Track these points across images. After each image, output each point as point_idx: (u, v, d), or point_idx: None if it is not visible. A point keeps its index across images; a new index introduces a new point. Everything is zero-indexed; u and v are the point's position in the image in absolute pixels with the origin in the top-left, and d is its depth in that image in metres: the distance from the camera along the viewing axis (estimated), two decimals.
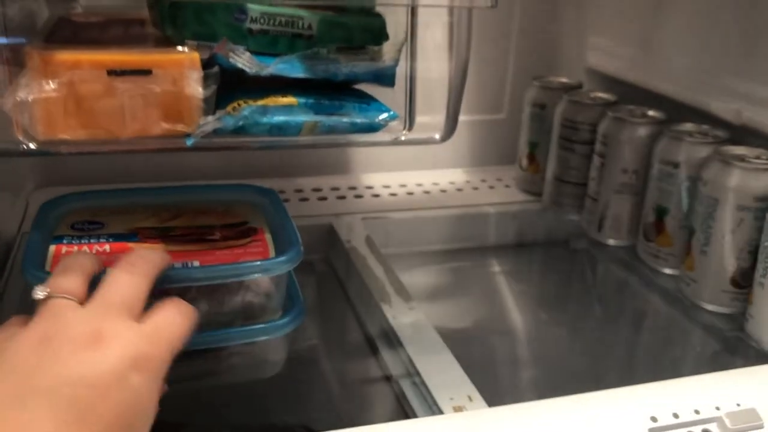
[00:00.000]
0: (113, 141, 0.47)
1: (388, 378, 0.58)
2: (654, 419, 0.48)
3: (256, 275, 0.50)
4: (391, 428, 0.46)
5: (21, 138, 0.46)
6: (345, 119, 0.50)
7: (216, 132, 0.47)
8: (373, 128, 0.51)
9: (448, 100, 0.53)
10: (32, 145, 0.46)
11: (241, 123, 0.47)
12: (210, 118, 0.47)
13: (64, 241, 0.52)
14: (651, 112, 0.74)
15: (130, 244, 0.52)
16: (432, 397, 0.51)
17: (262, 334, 0.51)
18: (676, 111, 0.73)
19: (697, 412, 0.49)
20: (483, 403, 0.50)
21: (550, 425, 0.47)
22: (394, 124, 0.52)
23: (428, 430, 0.46)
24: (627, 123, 0.72)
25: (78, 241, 0.52)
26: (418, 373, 0.54)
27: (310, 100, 0.49)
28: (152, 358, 0.38)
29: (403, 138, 0.53)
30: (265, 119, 0.48)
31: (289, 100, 0.49)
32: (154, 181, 0.82)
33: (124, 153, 0.50)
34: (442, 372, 0.53)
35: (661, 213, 0.69)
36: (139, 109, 0.46)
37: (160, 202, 0.59)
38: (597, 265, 0.79)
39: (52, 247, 0.51)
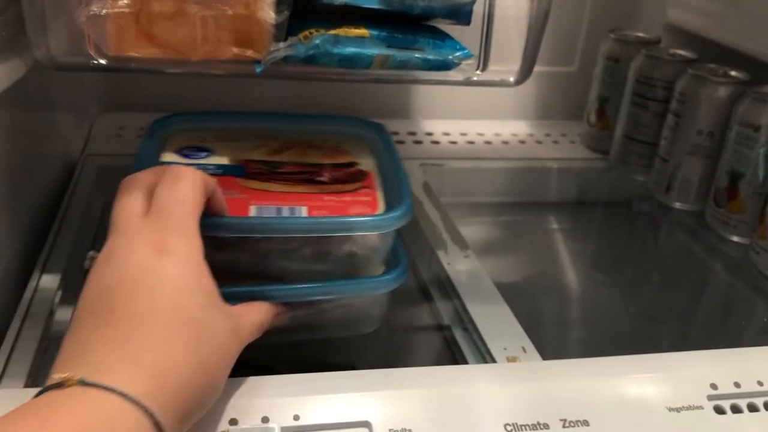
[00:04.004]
0: (182, 62, 0.46)
1: (439, 324, 0.57)
2: (714, 386, 0.46)
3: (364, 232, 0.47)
4: (447, 372, 0.45)
5: (92, 53, 0.45)
6: (418, 54, 0.48)
7: (285, 60, 0.46)
8: (446, 66, 0.49)
9: (526, 42, 0.50)
10: (102, 61, 0.46)
11: (311, 52, 0.46)
12: (281, 45, 0.45)
13: None
14: (733, 72, 0.70)
15: (238, 180, 0.51)
16: (485, 346, 0.50)
17: (366, 290, 0.48)
18: (761, 72, 0.70)
19: (760, 383, 0.47)
20: (537, 355, 0.49)
21: (605, 383, 0.45)
22: (466, 64, 0.50)
23: (482, 377, 0.45)
24: (707, 81, 0.68)
25: None
26: (471, 321, 0.53)
27: (383, 33, 0.48)
28: None
29: (475, 78, 0.51)
30: (336, 50, 0.46)
31: (362, 31, 0.47)
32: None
33: (192, 76, 0.49)
34: (496, 322, 0.52)
35: (735, 178, 0.66)
36: (210, 31, 0.45)
37: (268, 129, 0.58)
38: (660, 228, 0.76)
39: None
